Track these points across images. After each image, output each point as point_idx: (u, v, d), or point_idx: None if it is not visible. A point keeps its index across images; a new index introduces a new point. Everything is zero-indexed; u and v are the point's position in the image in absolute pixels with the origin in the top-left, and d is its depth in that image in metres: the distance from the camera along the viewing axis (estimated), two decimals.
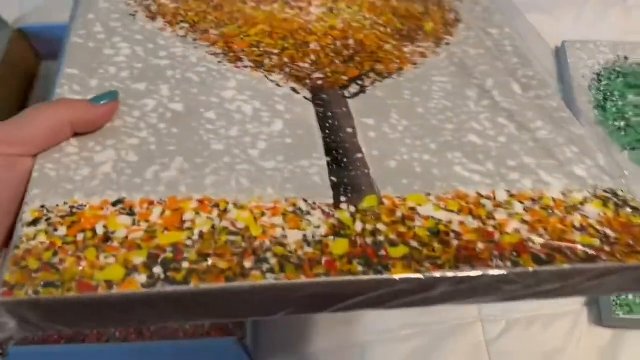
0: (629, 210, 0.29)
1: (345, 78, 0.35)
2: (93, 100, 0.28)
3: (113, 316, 0.23)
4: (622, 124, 0.65)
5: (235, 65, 0.34)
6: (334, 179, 0.28)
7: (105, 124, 0.29)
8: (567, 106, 0.36)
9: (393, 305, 0.25)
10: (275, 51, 0.36)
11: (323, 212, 0.26)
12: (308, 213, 0.26)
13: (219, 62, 0.34)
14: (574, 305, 0.54)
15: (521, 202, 0.29)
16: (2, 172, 0.25)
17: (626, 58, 0.70)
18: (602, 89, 0.68)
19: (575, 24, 0.77)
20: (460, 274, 0.25)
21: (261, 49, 0.36)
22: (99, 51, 0.33)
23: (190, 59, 0.34)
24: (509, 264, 0.25)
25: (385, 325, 0.50)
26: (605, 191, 0.30)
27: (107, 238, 0.24)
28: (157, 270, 0.23)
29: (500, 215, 0.28)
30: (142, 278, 0.22)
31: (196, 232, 0.24)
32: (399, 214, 0.27)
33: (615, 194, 0.30)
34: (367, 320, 0.50)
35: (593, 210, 0.29)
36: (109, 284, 0.22)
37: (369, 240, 0.25)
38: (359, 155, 0.30)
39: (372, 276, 0.24)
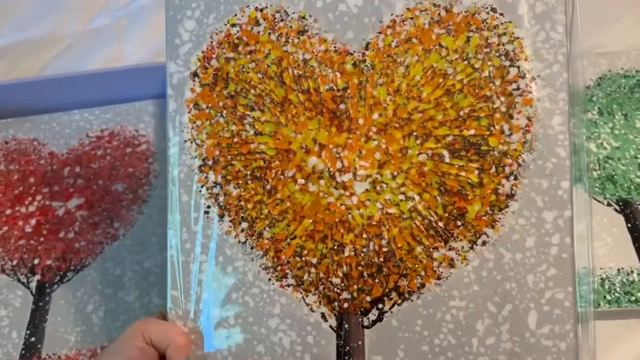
0: None
1: (368, 299, 0.41)
2: None
3: None
4: None
5: (281, 284, 0.42)
6: None
7: None
8: None
9: None
10: (314, 261, 0.42)
11: None
12: None
13: (269, 279, 0.43)
14: None
15: None
16: None
17: None
18: None
19: None
20: None
21: (302, 259, 0.42)
22: (188, 267, 0.45)
23: (248, 276, 0.43)
24: None
25: None
26: None
27: None
28: None
29: None
30: None
31: None
32: None
33: None
34: None
35: None
36: None
37: None
38: None
39: None
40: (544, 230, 0.38)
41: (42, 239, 0.65)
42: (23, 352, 0.58)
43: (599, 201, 0.61)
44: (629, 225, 0.60)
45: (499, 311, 0.38)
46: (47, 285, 0.63)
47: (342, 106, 0.42)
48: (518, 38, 0.39)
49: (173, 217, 0.45)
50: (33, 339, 0.59)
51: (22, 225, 0.66)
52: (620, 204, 0.61)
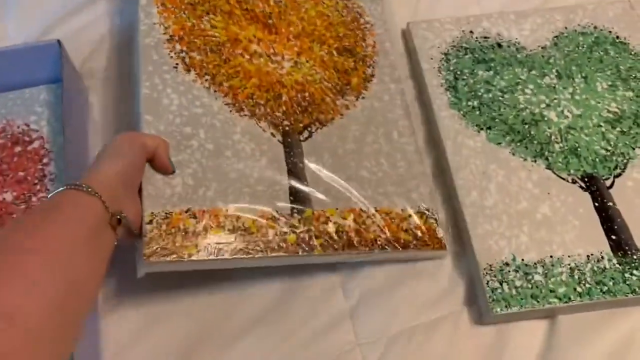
0: (432, 220, 0.59)
1: (301, 125, 0.61)
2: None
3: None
4: (476, 103, 0.63)
5: (239, 114, 0.59)
6: (291, 197, 0.56)
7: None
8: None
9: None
10: (262, 102, 0.60)
11: (285, 218, 0.55)
12: (278, 219, 0.54)
13: (230, 110, 0.59)
14: (452, 307, 0.55)
15: (380, 215, 0.58)
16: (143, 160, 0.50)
17: (471, 32, 0.68)
18: (451, 68, 0.66)
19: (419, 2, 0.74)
20: (341, 254, 0.55)
21: (254, 100, 0.60)
22: (160, 101, 0.56)
23: (214, 107, 0.58)
24: (366, 249, 0.56)
25: None
26: (425, 207, 0.60)
27: (186, 231, 0.51)
28: (210, 249, 0.51)
29: (369, 222, 0.57)
30: (203, 254, 0.50)
31: (227, 229, 0.52)
32: (322, 220, 0.56)
33: (428, 210, 0.60)
34: None
35: (415, 220, 0.59)
36: (190, 256, 0.50)
37: (306, 235, 0.54)
38: (305, 183, 0.57)
39: (305, 255, 0.53)
40: (390, 92, 0.66)
41: None
42: None
43: (562, 178, 0.57)
44: (596, 204, 0.55)
45: (377, 131, 0.63)
46: None
47: (270, 21, 0.66)
48: (361, 6, 0.72)
49: (145, 68, 0.58)
50: None
51: None
52: (586, 180, 0.56)
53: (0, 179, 0.57)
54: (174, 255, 0.50)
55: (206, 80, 0.60)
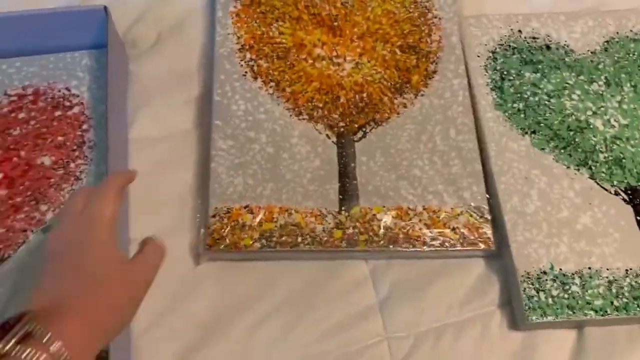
0: (481, 219, 0.61)
1: (356, 125, 0.65)
2: None
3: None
4: (521, 105, 0.62)
5: (298, 118, 0.65)
6: (340, 196, 0.61)
7: None
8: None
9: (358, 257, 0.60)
10: (321, 105, 0.65)
11: (333, 215, 0.60)
12: (326, 215, 0.60)
13: (290, 115, 0.65)
14: (483, 308, 0.57)
15: (428, 213, 0.61)
16: None
17: (520, 32, 0.66)
18: (498, 67, 0.65)
19: None
20: (387, 250, 0.59)
21: (313, 104, 0.65)
22: (229, 107, 0.64)
23: (275, 113, 0.64)
24: (410, 247, 0.59)
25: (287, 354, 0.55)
26: (475, 207, 0.61)
27: (243, 225, 0.59)
28: (263, 242, 0.58)
29: (415, 220, 0.60)
30: (257, 245, 0.58)
31: (279, 224, 0.59)
32: (368, 217, 0.60)
33: (478, 209, 0.61)
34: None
35: (463, 219, 0.61)
36: (246, 246, 0.58)
37: (351, 231, 0.59)
38: (355, 182, 0.62)
39: (349, 248, 0.59)
40: (453, 88, 0.67)
41: None
42: None
43: (605, 189, 0.56)
44: (638, 217, 0.54)
45: (434, 129, 0.65)
46: None
47: (335, 24, 0.70)
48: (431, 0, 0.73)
49: (218, 77, 0.65)
50: None
51: None
52: (629, 192, 0.55)
53: (39, 143, 0.56)
54: (233, 246, 0.58)
55: (270, 87, 0.66)
